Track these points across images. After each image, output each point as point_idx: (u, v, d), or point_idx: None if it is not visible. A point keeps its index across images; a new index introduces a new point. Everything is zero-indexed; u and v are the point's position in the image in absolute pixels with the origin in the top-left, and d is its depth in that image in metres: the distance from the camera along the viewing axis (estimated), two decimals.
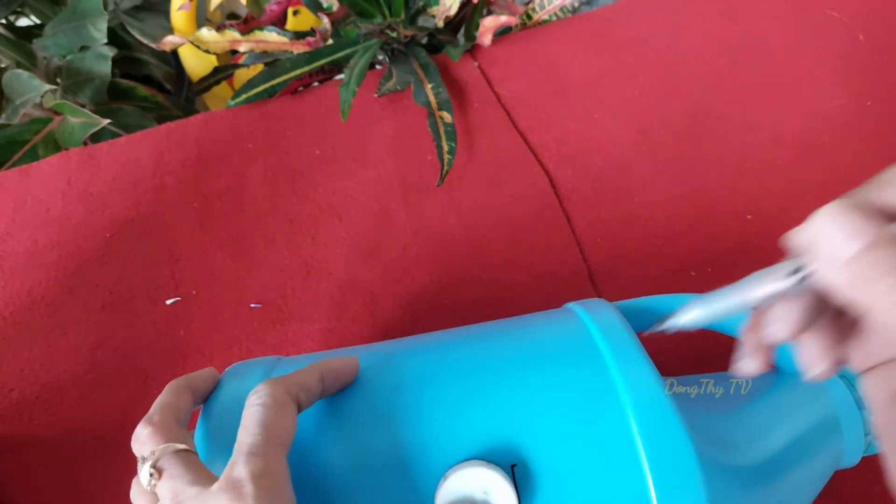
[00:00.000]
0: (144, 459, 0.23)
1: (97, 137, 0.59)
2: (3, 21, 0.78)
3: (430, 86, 0.53)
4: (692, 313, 0.21)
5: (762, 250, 0.44)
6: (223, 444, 0.24)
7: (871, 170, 0.43)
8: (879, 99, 0.51)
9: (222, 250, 0.47)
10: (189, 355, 0.42)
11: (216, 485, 0.21)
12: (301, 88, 0.57)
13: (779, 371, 0.32)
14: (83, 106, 0.62)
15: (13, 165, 0.58)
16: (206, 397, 0.27)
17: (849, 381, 0.29)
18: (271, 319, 0.43)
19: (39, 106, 0.64)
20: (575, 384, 0.25)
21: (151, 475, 0.23)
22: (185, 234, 0.48)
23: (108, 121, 0.59)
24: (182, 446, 0.23)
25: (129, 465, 0.38)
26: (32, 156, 0.59)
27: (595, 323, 0.27)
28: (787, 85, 0.53)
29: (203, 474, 0.22)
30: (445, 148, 0.49)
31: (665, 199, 0.47)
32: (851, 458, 0.28)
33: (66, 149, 0.54)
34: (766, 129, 0.50)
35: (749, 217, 0.46)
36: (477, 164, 0.50)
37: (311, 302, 0.44)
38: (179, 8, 0.78)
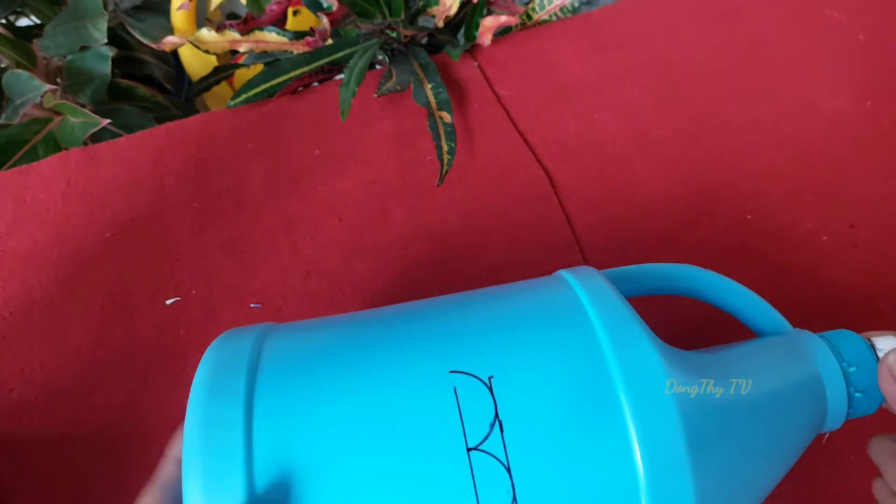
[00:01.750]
0: None
1: (97, 137, 0.59)
2: (3, 21, 0.78)
3: (429, 86, 0.53)
4: None
5: (762, 250, 0.44)
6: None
7: (871, 170, 0.45)
8: (879, 99, 0.51)
9: (222, 250, 0.47)
10: (189, 355, 0.42)
11: None
12: (301, 88, 0.57)
13: (763, 334, 0.32)
14: (83, 106, 0.62)
15: (13, 165, 0.58)
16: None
17: (835, 348, 0.29)
18: (271, 319, 0.43)
19: (39, 106, 0.64)
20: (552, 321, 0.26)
21: None
22: (185, 234, 0.48)
23: (108, 121, 0.59)
24: None
25: (129, 466, 0.38)
26: (32, 156, 0.59)
27: (575, 277, 0.28)
28: (787, 85, 0.53)
29: None
30: (445, 148, 0.49)
31: (665, 199, 0.47)
32: (834, 423, 0.29)
33: (66, 149, 0.54)
34: (766, 129, 0.50)
35: (749, 217, 0.46)
36: (477, 164, 0.50)
37: (311, 302, 0.44)
38: (179, 8, 0.78)
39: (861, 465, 0.36)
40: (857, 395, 0.28)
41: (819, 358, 0.28)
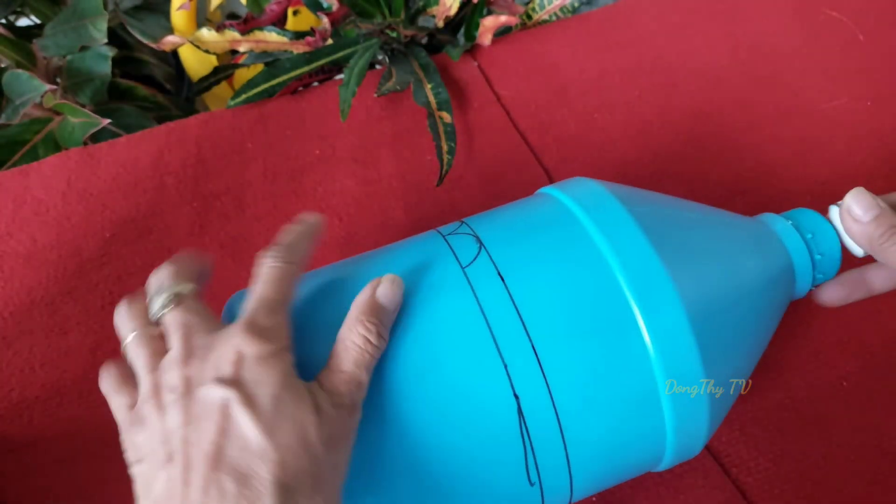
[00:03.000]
0: (161, 290, 0.25)
1: (97, 137, 0.58)
2: (3, 21, 0.78)
3: (429, 86, 0.53)
4: None
5: None
6: None
7: (870, 170, 0.45)
8: (879, 99, 0.51)
9: (222, 250, 0.47)
10: None
11: (238, 324, 0.23)
12: (301, 88, 0.57)
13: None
14: (83, 106, 0.62)
15: (13, 165, 0.58)
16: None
17: (795, 222, 0.33)
18: None
19: (39, 106, 0.63)
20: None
21: (167, 305, 0.25)
22: (185, 234, 0.48)
23: (108, 121, 0.59)
24: (193, 288, 0.26)
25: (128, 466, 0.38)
26: (32, 156, 0.59)
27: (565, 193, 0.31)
28: (787, 85, 0.53)
29: (217, 321, 0.25)
30: (445, 148, 0.49)
31: None
32: (802, 288, 0.33)
33: (66, 149, 0.54)
34: (766, 129, 0.50)
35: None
36: (477, 164, 0.50)
37: None
38: (179, 8, 0.78)
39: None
40: (818, 257, 0.32)
41: (783, 233, 0.32)
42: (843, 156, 0.48)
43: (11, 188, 0.50)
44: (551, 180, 0.49)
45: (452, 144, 0.49)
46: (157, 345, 0.25)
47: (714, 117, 0.51)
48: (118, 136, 0.56)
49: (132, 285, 0.45)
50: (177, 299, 0.24)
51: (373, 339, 0.24)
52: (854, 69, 0.53)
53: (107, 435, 0.40)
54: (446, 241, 0.29)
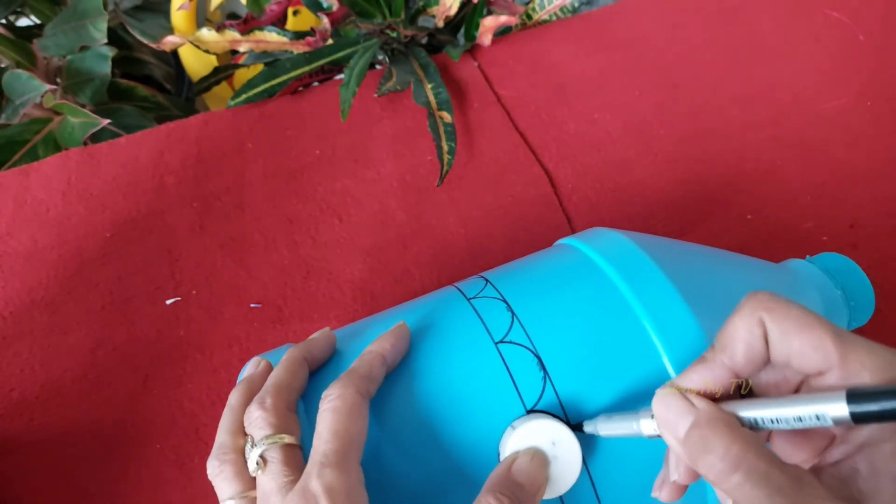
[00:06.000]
0: (254, 445, 0.24)
1: (97, 137, 0.58)
2: (3, 21, 0.78)
3: (430, 86, 0.53)
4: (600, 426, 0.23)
5: (762, 250, 0.44)
6: None
7: (870, 170, 0.45)
8: (879, 99, 0.51)
9: (222, 250, 0.47)
10: (189, 355, 0.42)
11: (291, 494, 0.22)
12: (301, 88, 0.57)
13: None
14: (83, 106, 0.62)
15: (13, 165, 0.58)
16: (322, 363, 0.28)
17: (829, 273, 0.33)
18: (271, 319, 0.43)
19: (39, 106, 0.64)
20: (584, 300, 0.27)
21: (258, 464, 0.23)
22: (185, 234, 0.48)
23: (108, 121, 0.59)
24: (290, 439, 0.24)
25: (129, 465, 0.38)
26: (32, 156, 0.59)
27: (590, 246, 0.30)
28: (787, 85, 0.53)
29: (297, 474, 0.23)
30: (445, 148, 0.49)
31: (665, 199, 0.47)
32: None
33: (66, 149, 0.54)
34: (766, 129, 0.50)
35: (749, 217, 0.46)
36: (477, 164, 0.50)
37: (311, 302, 0.44)
38: (179, 8, 0.78)
39: None
40: (852, 303, 0.32)
41: (814, 279, 0.32)
42: (843, 156, 0.48)
43: (11, 188, 0.50)
44: (551, 180, 0.49)
45: (452, 144, 0.49)
46: None
47: (714, 117, 0.51)
48: (118, 136, 0.56)
49: (132, 285, 0.45)
50: (263, 462, 0.23)
51: None
52: (854, 69, 0.53)
53: (106, 436, 0.40)
54: (473, 308, 0.27)
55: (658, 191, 0.48)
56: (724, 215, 0.46)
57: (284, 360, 0.27)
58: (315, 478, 0.21)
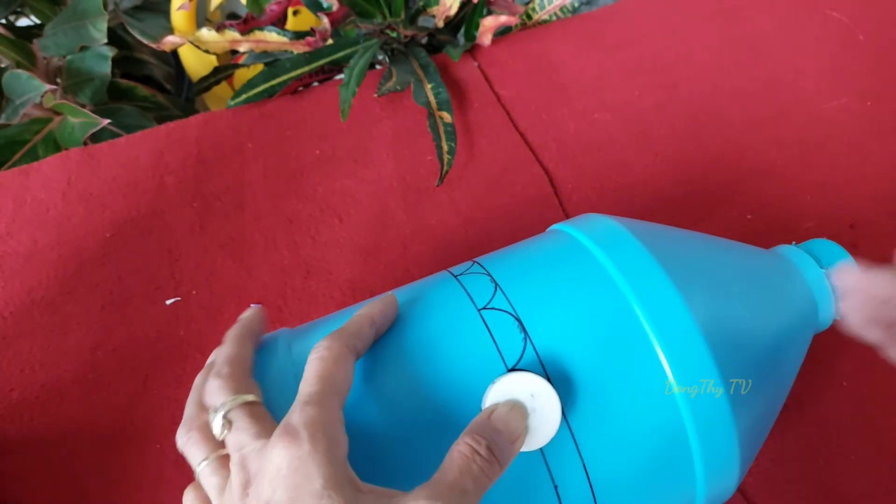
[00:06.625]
0: (216, 410, 0.24)
1: (97, 137, 0.59)
2: (3, 21, 0.78)
3: (429, 86, 0.53)
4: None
5: None
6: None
7: (870, 169, 0.45)
8: (879, 99, 0.51)
9: (222, 250, 0.47)
10: (189, 355, 0.42)
11: (275, 433, 0.22)
12: (301, 88, 0.57)
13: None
14: (83, 106, 0.62)
15: (13, 165, 0.58)
16: (259, 337, 0.29)
17: (813, 255, 0.33)
18: (271, 319, 0.43)
19: (39, 106, 0.64)
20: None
21: (223, 426, 0.24)
22: (185, 234, 0.48)
23: (108, 121, 0.59)
24: (251, 397, 0.24)
25: (129, 465, 0.38)
26: (32, 156, 0.59)
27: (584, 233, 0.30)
28: (787, 85, 0.53)
29: (268, 426, 0.23)
30: (445, 148, 0.49)
31: (665, 199, 0.47)
32: (824, 322, 0.33)
33: (66, 149, 0.54)
34: (766, 129, 0.50)
35: (749, 217, 0.46)
36: (477, 164, 0.50)
37: (311, 302, 0.44)
38: (179, 8, 0.78)
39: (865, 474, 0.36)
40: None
41: (802, 265, 0.32)
42: (844, 156, 0.48)
43: (11, 188, 0.50)
44: (551, 180, 0.49)
45: (452, 144, 0.49)
46: (227, 470, 0.24)
47: (714, 117, 0.51)
48: (118, 136, 0.56)
49: (132, 285, 0.45)
50: (228, 422, 0.23)
51: (482, 452, 0.23)
52: (854, 69, 0.53)
53: (106, 435, 0.40)
54: (459, 283, 0.28)
55: (658, 191, 0.48)
56: (724, 215, 0.46)
57: (228, 338, 0.28)
58: (297, 413, 0.22)
